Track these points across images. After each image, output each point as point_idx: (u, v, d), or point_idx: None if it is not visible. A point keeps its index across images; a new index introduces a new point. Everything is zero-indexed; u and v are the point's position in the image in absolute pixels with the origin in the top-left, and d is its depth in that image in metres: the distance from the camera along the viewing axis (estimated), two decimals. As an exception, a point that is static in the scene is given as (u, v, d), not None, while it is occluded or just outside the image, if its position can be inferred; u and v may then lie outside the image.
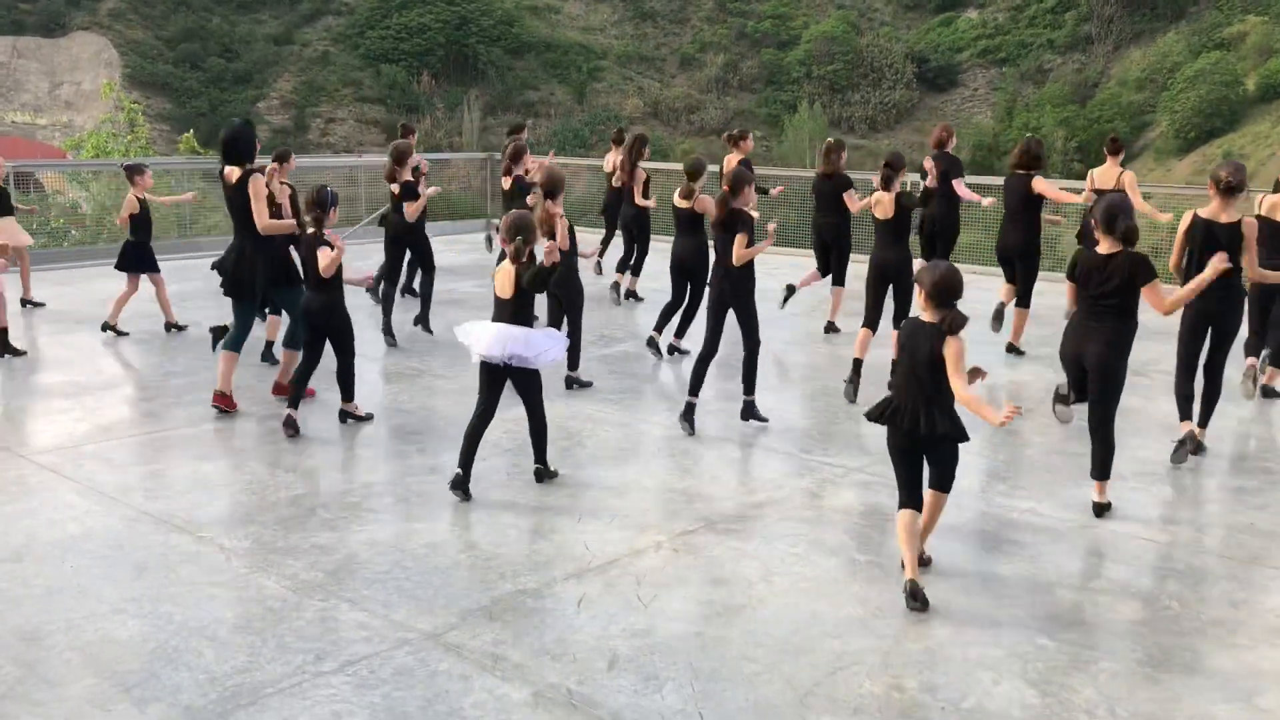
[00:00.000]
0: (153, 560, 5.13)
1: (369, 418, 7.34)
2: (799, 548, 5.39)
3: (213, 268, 8.09)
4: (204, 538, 5.40)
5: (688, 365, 9.10)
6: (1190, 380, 6.81)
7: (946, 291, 4.76)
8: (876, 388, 8.37)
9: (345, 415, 7.32)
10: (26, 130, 56.58)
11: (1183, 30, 66.65)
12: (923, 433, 4.79)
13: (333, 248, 7.00)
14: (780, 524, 5.73)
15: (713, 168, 11.05)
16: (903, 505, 4.89)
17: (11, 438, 6.95)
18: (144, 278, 9.86)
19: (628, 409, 7.76)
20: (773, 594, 4.88)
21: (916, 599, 4.72)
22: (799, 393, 8.30)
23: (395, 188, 9.70)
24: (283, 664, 4.21)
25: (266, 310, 8.66)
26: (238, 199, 7.59)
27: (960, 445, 4.94)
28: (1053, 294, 9.85)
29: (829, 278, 10.53)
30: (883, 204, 8.38)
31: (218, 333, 7.75)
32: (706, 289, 7.79)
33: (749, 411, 7.38)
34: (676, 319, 9.27)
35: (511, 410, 7.63)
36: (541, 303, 7.82)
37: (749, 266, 7.16)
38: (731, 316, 7.28)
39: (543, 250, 5.98)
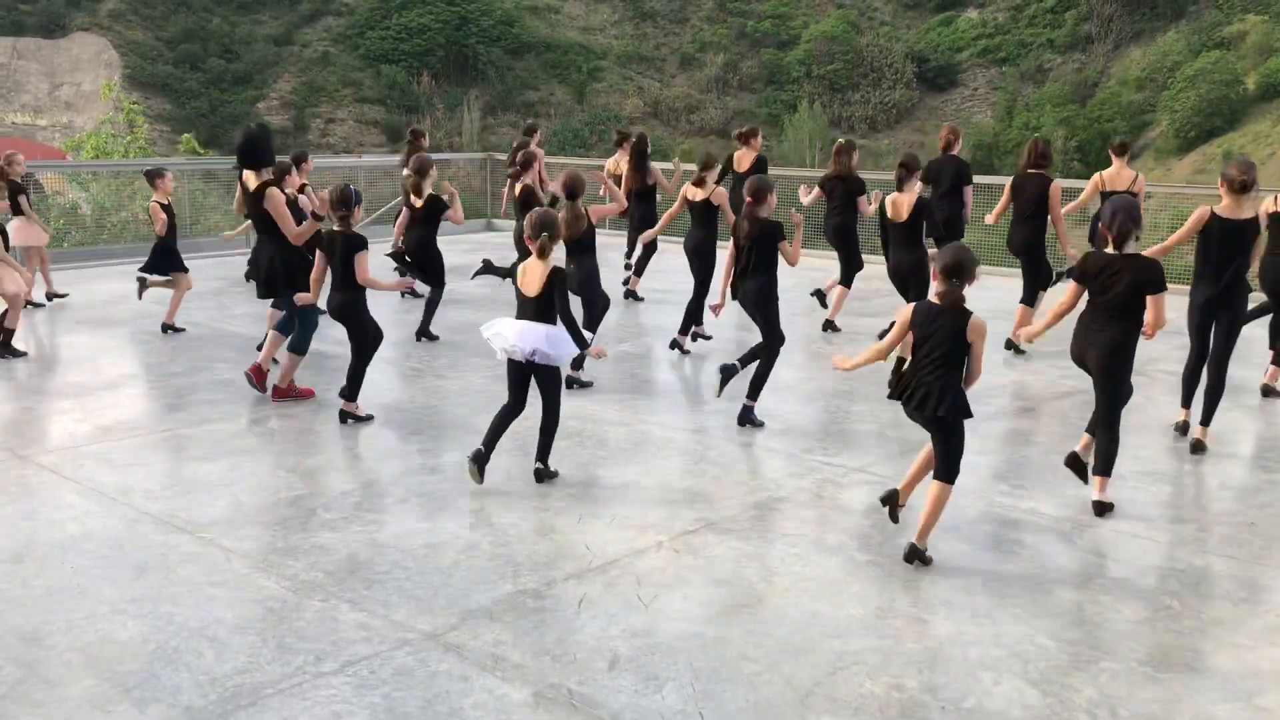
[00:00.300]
0: (153, 561, 5.13)
1: (369, 419, 7.34)
2: (799, 548, 5.39)
3: (247, 278, 8.29)
4: (204, 538, 5.40)
5: (690, 365, 9.11)
6: (1197, 371, 7.12)
7: (955, 269, 4.98)
8: (882, 389, 8.38)
9: (345, 416, 7.31)
10: (26, 131, 56.57)
11: (1183, 29, 66.63)
12: (928, 414, 5.05)
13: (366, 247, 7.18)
14: (781, 524, 5.73)
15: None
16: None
17: (12, 438, 6.95)
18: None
19: (629, 409, 7.76)
20: (773, 594, 4.88)
21: (911, 560, 5.15)
22: (799, 393, 8.29)
23: (419, 202, 9.64)
24: (283, 664, 4.20)
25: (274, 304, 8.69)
26: (256, 205, 7.83)
27: (964, 443, 5.15)
28: (1057, 291, 9.83)
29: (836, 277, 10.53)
30: (898, 206, 8.39)
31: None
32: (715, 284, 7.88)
33: (746, 416, 7.35)
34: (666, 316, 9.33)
35: (512, 410, 7.65)
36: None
37: (773, 273, 7.24)
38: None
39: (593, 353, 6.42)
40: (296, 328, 7.86)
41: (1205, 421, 6.97)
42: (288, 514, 5.73)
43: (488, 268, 10.99)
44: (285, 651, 4.30)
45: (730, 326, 9.89)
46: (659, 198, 11.73)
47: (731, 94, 74.51)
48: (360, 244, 7.08)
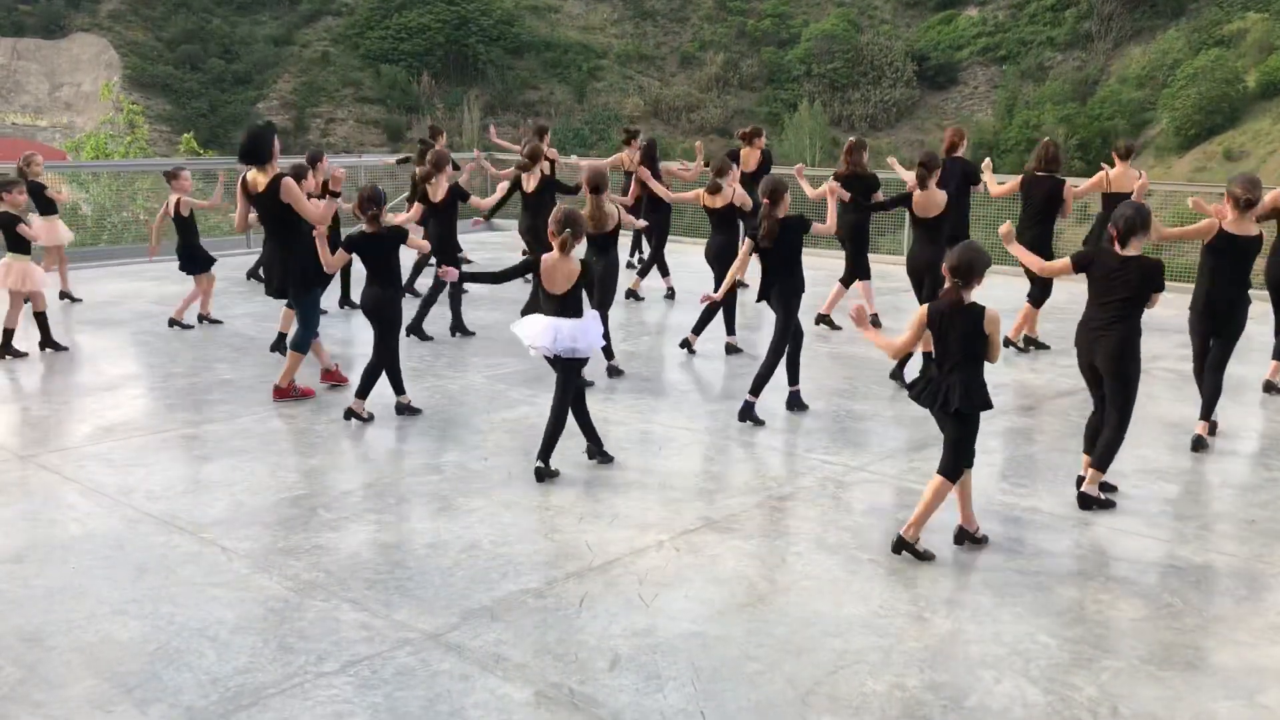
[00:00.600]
0: (154, 561, 5.13)
1: (370, 419, 7.32)
2: (800, 546, 5.39)
3: (248, 277, 8.27)
4: (205, 538, 5.40)
5: (694, 365, 9.11)
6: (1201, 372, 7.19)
7: (962, 269, 5.10)
8: (883, 386, 8.38)
9: (351, 413, 7.30)
10: (27, 132, 56.61)
11: (1183, 27, 66.63)
12: (939, 407, 5.18)
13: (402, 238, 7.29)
14: (782, 522, 5.73)
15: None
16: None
17: (13, 438, 6.95)
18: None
19: (629, 408, 7.76)
20: (774, 593, 4.88)
21: (899, 550, 5.24)
22: (801, 391, 8.27)
23: (436, 197, 9.63)
24: (284, 664, 4.20)
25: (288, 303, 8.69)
26: (267, 203, 7.73)
27: (973, 441, 5.27)
28: (1060, 290, 9.84)
29: (839, 277, 10.53)
30: (924, 202, 8.40)
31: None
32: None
33: (747, 412, 7.37)
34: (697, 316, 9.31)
35: (514, 409, 7.65)
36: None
37: (799, 271, 7.36)
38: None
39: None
40: (299, 326, 7.86)
41: (1204, 417, 7.04)
42: (289, 514, 5.73)
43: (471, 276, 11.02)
44: (286, 651, 4.30)
45: (739, 326, 9.86)
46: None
47: (732, 93, 74.51)
48: (401, 236, 7.24)
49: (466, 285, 9.94)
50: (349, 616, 4.60)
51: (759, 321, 10.48)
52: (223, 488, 6.10)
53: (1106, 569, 5.23)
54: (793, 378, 7.67)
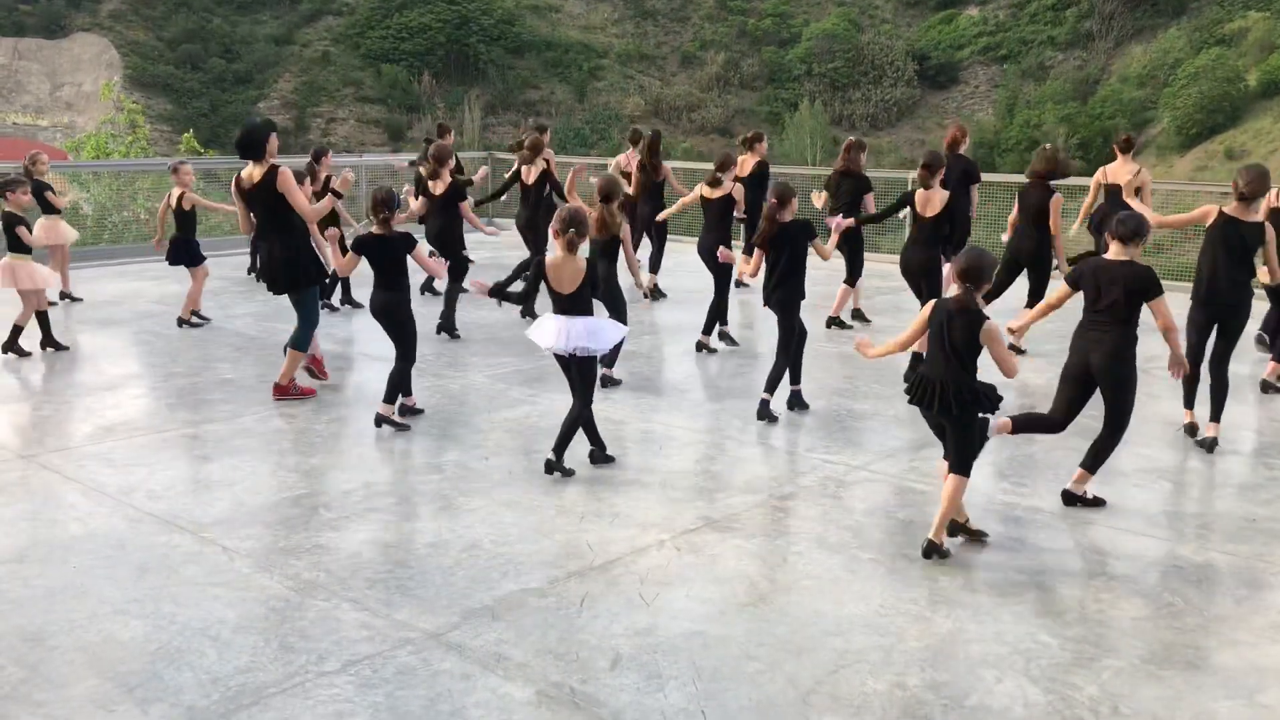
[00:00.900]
0: (155, 560, 5.13)
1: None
2: (801, 546, 5.39)
3: (253, 275, 8.22)
4: (206, 538, 5.40)
5: (694, 364, 9.11)
6: (1196, 371, 7.10)
7: (970, 273, 5.12)
8: (883, 386, 8.38)
9: (381, 420, 7.13)
10: (28, 131, 56.62)
11: (1184, 26, 66.62)
12: (939, 408, 5.16)
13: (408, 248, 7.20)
14: (783, 522, 5.73)
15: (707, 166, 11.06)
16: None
17: (14, 438, 6.96)
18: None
19: (630, 408, 7.76)
20: (775, 592, 4.88)
21: (930, 555, 5.20)
22: (802, 390, 8.27)
23: (437, 189, 9.64)
24: (285, 664, 4.21)
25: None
26: (262, 196, 7.56)
27: (976, 438, 5.27)
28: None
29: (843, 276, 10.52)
30: (925, 200, 8.41)
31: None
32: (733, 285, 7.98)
33: (764, 410, 7.41)
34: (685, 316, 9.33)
35: (515, 409, 7.65)
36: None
37: (802, 275, 7.39)
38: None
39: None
40: (298, 325, 7.85)
41: (1215, 418, 6.99)
42: (290, 513, 5.73)
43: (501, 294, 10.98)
44: (287, 651, 4.30)
45: (738, 325, 9.86)
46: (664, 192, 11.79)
47: (732, 92, 74.51)
48: (411, 242, 7.11)
49: (467, 285, 9.88)
50: (350, 616, 4.60)
51: (754, 320, 10.48)
52: (224, 487, 6.10)
53: (1107, 568, 5.23)
54: (795, 377, 7.68)
